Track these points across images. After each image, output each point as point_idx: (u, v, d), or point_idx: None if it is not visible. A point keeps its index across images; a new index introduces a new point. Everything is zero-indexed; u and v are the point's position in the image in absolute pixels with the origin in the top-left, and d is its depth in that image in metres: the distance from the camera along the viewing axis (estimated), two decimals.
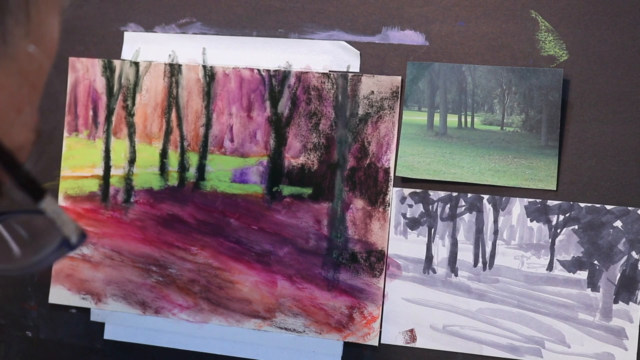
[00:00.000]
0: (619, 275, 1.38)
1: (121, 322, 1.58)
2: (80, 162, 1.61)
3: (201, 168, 1.55)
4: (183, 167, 1.55)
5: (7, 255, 0.89)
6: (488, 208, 1.43)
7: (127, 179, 1.58)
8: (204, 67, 1.55)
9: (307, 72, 1.50)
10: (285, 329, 1.51)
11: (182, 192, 1.56)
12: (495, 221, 1.43)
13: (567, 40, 1.40)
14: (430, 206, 1.45)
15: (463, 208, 1.44)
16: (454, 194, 1.45)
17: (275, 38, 1.52)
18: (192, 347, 1.55)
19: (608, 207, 1.39)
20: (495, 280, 1.43)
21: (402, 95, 1.47)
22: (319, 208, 1.50)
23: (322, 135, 1.49)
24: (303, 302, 1.50)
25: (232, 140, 1.53)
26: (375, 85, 1.47)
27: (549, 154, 1.40)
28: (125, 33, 1.59)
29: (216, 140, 1.54)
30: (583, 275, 1.40)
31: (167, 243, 1.56)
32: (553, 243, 1.41)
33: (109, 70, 1.59)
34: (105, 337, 1.59)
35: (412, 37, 1.47)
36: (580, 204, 1.40)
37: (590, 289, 1.39)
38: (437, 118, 1.45)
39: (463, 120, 1.44)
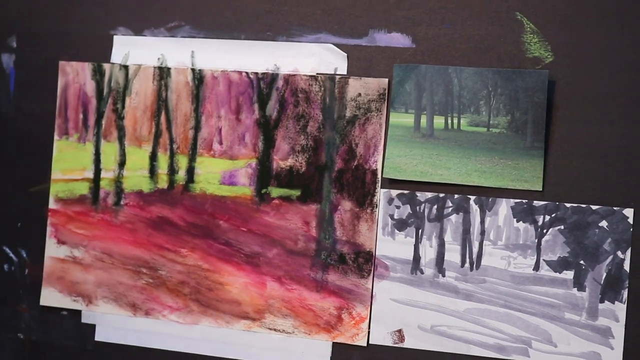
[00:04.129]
0: (604, 274, 1.39)
1: (112, 324, 1.59)
2: (70, 165, 1.61)
3: (190, 170, 1.56)
4: (172, 170, 1.56)
5: None
6: (475, 209, 1.44)
7: (117, 181, 1.59)
8: (193, 70, 1.56)
9: (294, 75, 1.51)
10: (275, 329, 1.51)
11: (172, 194, 1.56)
12: (482, 222, 1.44)
13: (552, 42, 1.41)
14: (418, 207, 1.46)
15: (450, 209, 1.45)
16: (441, 195, 1.45)
17: (263, 41, 1.53)
18: (182, 348, 1.56)
19: (594, 207, 1.40)
20: (482, 280, 1.44)
21: (389, 97, 1.47)
22: (307, 210, 1.50)
23: (310, 137, 1.50)
24: (292, 303, 1.51)
25: (220, 143, 1.54)
26: (363, 88, 1.48)
27: (535, 154, 1.41)
28: (114, 37, 1.60)
29: (205, 142, 1.55)
30: (569, 275, 1.40)
31: (157, 245, 1.57)
32: (539, 243, 1.41)
33: (98, 73, 1.60)
34: (96, 338, 1.60)
35: (398, 40, 1.48)
36: (566, 204, 1.41)
37: (576, 288, 1.40)
38: (423, 120, 1.45)
39: (449, 121, 1.45)
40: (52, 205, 1.62)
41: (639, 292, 1.38)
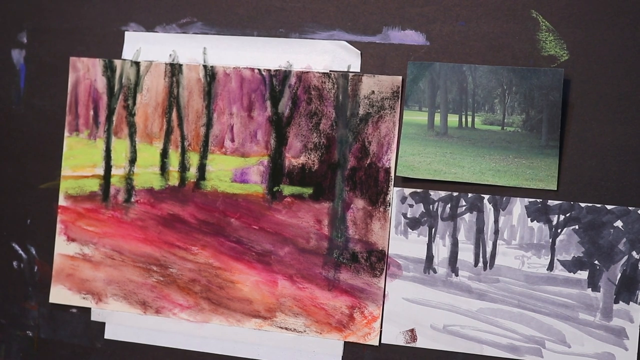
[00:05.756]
0: (619, 275, 1.38)
1: (122, 322, 1.58)
2: (81, 161, 1.61)
3: (202, 168, 1.55)
4: (184, 167, 1.56)
5: None
6: (489, 208, 1.43)
7: (128, 178, 1.58)
8: (205, 66, 1.55)
9: (307, 72, 1.50)
10: (286, 328, 1.51)
11: (183, 191, 1.56)
12: (496, 221, 1.43)
13: (567, 40, 1.40)
14: (431, 206, 1.45)
15: (464, 208, 1.44)
16: (455, 193, 1.45)
17: (276, 38, 1.53)
18: (192, 346, 1.55)
19: (608, 207, 1.39)
20: (495, 280, 1.43)
21: (403, 95, 1.47)
22: (319, 208, 1.50)
23: (322, 135, 1.50)
24: (304, 301, 1.50)
25: (232, 140, 1.54)
26: (376, 85, 1.47)
27: (550, 153, 1.40)
28: (126, 33, 1.60)
29: (217, 140, 1.54)
30: (583, 275, 1.40)
31: (167, 243, 1.56)
32: (553, 243, 1.41)
33: (109, 70, 1.59)
34: (106, 336, 1.60)
35: (412, 37, 1.47)
36: (580, 203, 1.40)
37: (590, 288, 1.39)
38: (437, 118, 1.45)
39: (464, 120, 1.44)
40: (62, 202, 1.61)
41: None
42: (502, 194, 1.43)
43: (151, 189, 1.57)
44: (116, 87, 1.59)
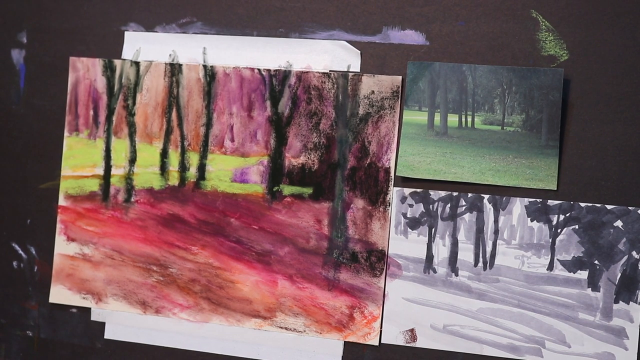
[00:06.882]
0: (619, 275, 1.38)
1: (122, 322, 1.58)
2: (80, 161, 1.61)
3: (202, 168, 1.55)
4: (183, 167, 1.56)
5: None
6: (488, 208, 1.43)
7: (128, 178, 1.58)
8: (205, 66, 1.55)
9: (307, 72, 1.50)
10: (286, 328, 1.51)
11: (183, 191, 1.56)
12: (496, 221, 1.43)
13: (567, 40, 1.40)
14: (431, 206, 1.45)
15: (463, 208, 1.44)
16: (455, 193, 1.45)
17: (275, 38, 1.53)
18: (192, 346, 1.55)
19: (608, 207, 1.39)
20: (495, 280, 1.43)
21: (403, 94, 1.47)
22: (319, 208, 1.50)
23: (322, 134, 1.50)
24: (303, 301, 1.50)
25: (232, 140, 1.54)
26: (376, 85, 1.47)
27: (550, 153, 1.40)
28: (125, 33, 1.60)
29: (217, 139, 1.54)
30: (583, 275, 1.40)
31: (167, 243, 1.56)
32: (553, 243, 1.41)
33: (109, 69, 1.59)
34: (106, 336, 1.60)
35: (412, 37, 1.47)
36: (580, 203, 1.40)
37: (590, 288, 1.39)
38: (437, 118, 1.45)
39: (463, 120, 1.44)
40: (61, 202, 1.61)
41: None
42: (502, 194, 1.43)
43: (151, 188, 1.57)
44: (116, 87, 1.59)
